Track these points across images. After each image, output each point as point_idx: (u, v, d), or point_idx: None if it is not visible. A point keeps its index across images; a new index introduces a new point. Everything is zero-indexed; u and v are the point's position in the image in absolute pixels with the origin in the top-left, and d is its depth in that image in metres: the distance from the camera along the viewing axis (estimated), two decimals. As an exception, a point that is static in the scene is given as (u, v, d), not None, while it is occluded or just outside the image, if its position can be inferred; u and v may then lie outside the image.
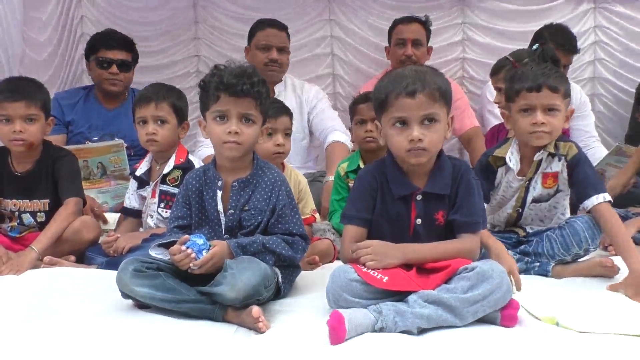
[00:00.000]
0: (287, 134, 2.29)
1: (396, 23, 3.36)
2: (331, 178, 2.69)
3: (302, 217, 2.13)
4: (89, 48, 3.07)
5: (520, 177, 2.06)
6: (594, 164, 2.32)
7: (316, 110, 3.26)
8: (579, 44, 3.28)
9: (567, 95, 2.00)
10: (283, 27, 3.19)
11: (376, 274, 1.57)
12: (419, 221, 1.68)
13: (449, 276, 1.57)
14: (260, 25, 3.18)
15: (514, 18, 3.62)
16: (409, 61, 3.24)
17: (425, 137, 1.59)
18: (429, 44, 3.41)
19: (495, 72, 2.67)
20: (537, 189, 2.06)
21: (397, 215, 1.69)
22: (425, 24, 3.35)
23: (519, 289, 1.77)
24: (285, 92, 3.25)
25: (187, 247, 1.61)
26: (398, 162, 1.68)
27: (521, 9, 3.60)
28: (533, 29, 3.34)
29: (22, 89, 2.23)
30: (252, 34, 3.20)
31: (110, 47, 2.99)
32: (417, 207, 1.68)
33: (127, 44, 3.06)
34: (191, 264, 1.61)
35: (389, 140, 1.65)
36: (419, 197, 1.68)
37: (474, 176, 1.71)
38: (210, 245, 1.64)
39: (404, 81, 1.59)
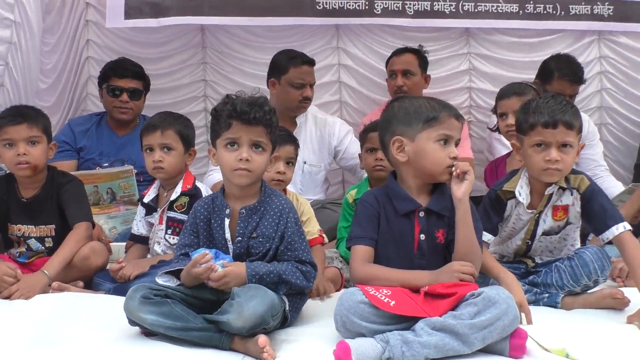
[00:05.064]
0: (290, 163, 2.29)
1: (391, 56, 3.35)
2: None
3: (310, 238, 2.15)
4: (101, 76, 3.10)
5: (530, 210, 2.02)
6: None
7: (345, 143, 3.20)
8: (584, 73, 3.28)
9: (580, 130, 1.97)
10: (314, 63, 3.11)
11: (383, 297, 1.58)
12: (422, 237, 1.73)
13: (456, 303, 1.57)
14: (294, 60, 3.03)
15: (518, 49, 3.63)
16: (400, 92, 3.19)
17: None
18: (428, 73, 3.36)
19: (502, 96, 2.66)
20: (547, 221, 2.03)
21: (402, 233, 1.74)
22: (418, 53, 3.31)
23: (529, 322, 1.75)
24: (306, 123, 3.19)
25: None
26: (422, 177, 1.76)
27: (524, 41, 3.62)
28: (538, 58, 3.36)
29: (23, 112, 2.29)
30: (283, 68, 3.03)
31: (121, 76, 3.02)
32: (421, 223, 1.74)
33: (138, 72, 3.09)
34: (209, 278, 1.64)
35: (429, 155, 1.72)
36: (421, 214, 1.74)
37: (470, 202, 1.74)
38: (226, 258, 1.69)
39: (449, 104, 1.79)
